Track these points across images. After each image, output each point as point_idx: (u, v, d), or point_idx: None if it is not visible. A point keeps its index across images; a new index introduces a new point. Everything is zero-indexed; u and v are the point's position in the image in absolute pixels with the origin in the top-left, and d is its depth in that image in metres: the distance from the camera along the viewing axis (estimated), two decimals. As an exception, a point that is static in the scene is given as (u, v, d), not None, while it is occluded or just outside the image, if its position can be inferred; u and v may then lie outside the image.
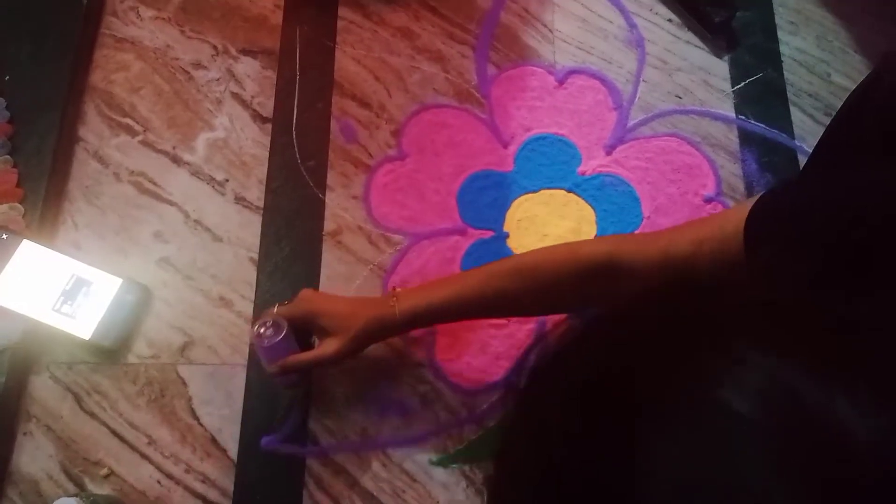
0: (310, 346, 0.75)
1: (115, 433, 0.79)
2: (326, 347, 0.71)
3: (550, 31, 1.01)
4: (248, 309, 0.84)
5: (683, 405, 0.26)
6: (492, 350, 0.85)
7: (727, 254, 0.52)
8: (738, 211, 0.53)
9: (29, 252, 0.81)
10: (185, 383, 0.82)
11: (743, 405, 0.25)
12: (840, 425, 0.24)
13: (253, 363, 0.82)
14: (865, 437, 0.23)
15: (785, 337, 0.27)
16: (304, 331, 0.74)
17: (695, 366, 0.27)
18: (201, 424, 0.80)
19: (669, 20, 1.04)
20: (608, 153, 0.95)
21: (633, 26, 1.03)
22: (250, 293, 0.85)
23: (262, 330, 0.71)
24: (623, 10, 1.03)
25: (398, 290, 0.72)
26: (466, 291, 0.69)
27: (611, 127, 0.96)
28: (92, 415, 0.79)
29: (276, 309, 0.73)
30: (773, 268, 0.43)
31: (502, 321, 0.86)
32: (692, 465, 0.25)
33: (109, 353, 0.81)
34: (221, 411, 0.81)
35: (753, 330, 0.28)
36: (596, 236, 0.91)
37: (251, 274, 0.86)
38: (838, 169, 0.53)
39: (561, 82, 0.98)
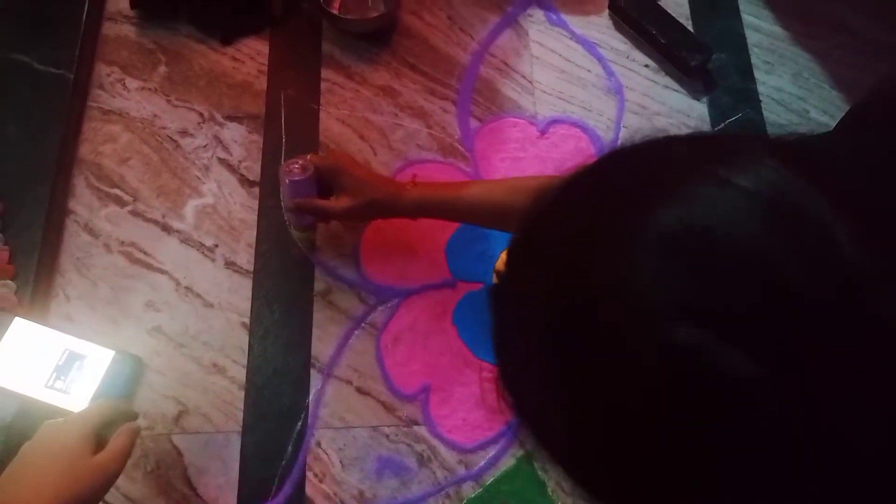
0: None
1: (111, 508, 0.78)
2: (339, 202, 0.79)
3: (530, 82, 1.03)
4: (241, 375, 0.84)
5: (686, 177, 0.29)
6: (487, 404, 0.85)
7: None
8: None
9: (20, 329, 0.81)
10: (180, 453, 0.81)
11: (746, 181, 0.28)
12: (834, 245, 0.26)
13: (247, 429, 0.82)
14: (852, 254, 0.26)
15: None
16: (327, 185, 0.80)
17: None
18: (198, 495, 0.80)
19: (646, 66, 1.06)
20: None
21: (610, 74, 1.04)
22: (243, 358, 0.85)
23: (292, 167, 0.78)
24: (600, 59, 1.05)
25: (417, 180, 0.81)
26: (473, 196, 0.76)
27: (594, 173, 0.97)
28: (87, 490, 0.79)
29: (309, 156, 0.79)
30: None
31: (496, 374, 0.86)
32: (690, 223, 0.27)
33: (103, 426, 0.81)
34: (217, 480, 0.80)
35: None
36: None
37: (243, 339, 0.86)
38: None
39: (543, 132, 1.00)
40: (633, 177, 0.32)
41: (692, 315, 0.26)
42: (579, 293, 0.29)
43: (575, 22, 1.07)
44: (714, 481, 0.27)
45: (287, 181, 0.78)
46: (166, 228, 0.91)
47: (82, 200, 0.92)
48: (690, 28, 1.08)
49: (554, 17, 1.07)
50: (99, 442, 0.65)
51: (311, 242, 0.92)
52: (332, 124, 0.98)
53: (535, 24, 1.07)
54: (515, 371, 0.35)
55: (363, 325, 0.88)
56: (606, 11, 1.08)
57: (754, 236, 0.27)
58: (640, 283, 0.27)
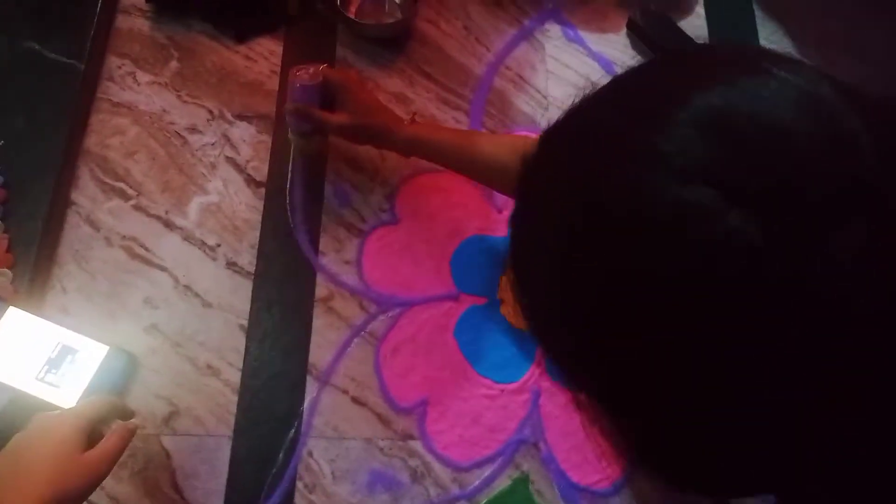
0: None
1: (95, 508, 0.76)
2: (337, 116, 0.82)
3: (544, 96, 1.02)
4: (236, 377, 0.83)
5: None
6: (485, 422, 0.83)
7: None
8: None
9: (14, 319, 0.79)
10: (168, 455, 0.79)
11: (791, 76, 0.30)
12: (858, 150, 0.28)
13: (239, 434, 0.80)
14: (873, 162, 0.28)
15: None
16: (331, 98, 0.83)
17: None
18: (184, 499, 0.78)
19: (663, 86, 1.04)
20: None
21: (626, 92, 1.03)
22: (238, 361, 0.84)
23: (302, 72, 0.82)
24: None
25: (418, 119, 0.83)
26: (464, 146, 0.79)
27: (605, 192, 0.96)
28: (72, 488, 0.77)
29: (323, 66, 0.82)
30: None
31: (496, 391, 0.84)
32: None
33: (93, 423, 0.79)
34: (206, 485, 0.79)
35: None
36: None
37: (240, 341, 0.85)
38: None
39: (555, 147, 0.98)
40: (681, 66, 0.35)
41: (711, 179, 0.28)
42: (612, 154, 0.32)
43: (592, 39, 1.06)
44: (706, 340, 0.28)
45: (296, 86, 0.82)
46: (169, 225, 0.90)
47: (86, 192, 0.91)
48: (709, 50, 1.06)
49: (571, 33, 1.06)
50: (92, 438, 0.64)
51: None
52: (343, 128, 0.96)
53: (552, 38, 1.06)
54: (531, 249, 0.37)
55: (363, 333, 0.86)
56: (624, 30, 1.07)
57: (790, 124, 0.29)
58: (671, 145, 0.29)
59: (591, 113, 0.36)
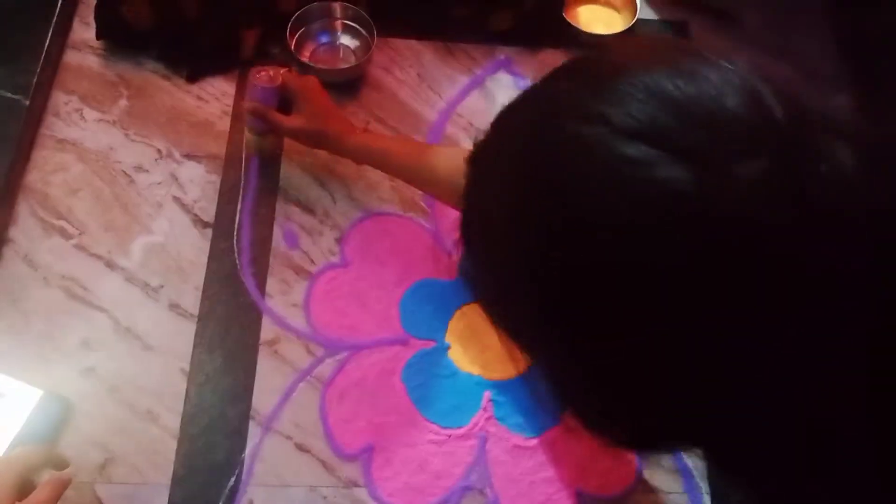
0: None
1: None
2: (291, 120, 0.86)
3: (495, 143, 1.03)
4: (175, 423, 0.80)
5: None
6: (431, 468, 0.82)
7: None
8: None
9: (-60, 362, 0.76)
10: (101, 505, 0.76)
11: (729, 64, 0.34)
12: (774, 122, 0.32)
13: (177, 482, 0.78)
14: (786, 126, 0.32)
15: None
16: (289, 101, 0.87)
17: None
18: (116, 552, 0.74)
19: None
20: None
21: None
22: (178, 406, 0.81)
23: (262, 73, 0.86)
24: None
25: (370, 128, 0.88)
26: (416, 157, 0.81)
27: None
28: (-6, 542, 0.73)
29: (283, 70, 0.87)
30: None
31: (442, 437, 0.84)
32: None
33: (20, 471, 0.76)
34: (139, 536, 0.75)
35: None
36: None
37: (181, 385, 0.82)
38: None
39: (505, 193, 1.00)
40: (630, 49, 0.39)
41: (651, 138, 0.31)
42: (554, 113, 0.35)
43: (542, 89, 1.09)
44: (650, 289, 0.31)
45: (255, 86, 0.86)
46: (111, 265, 0.88)
47: (25, 230, 0.89)
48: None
49: (521, 82, 1.09)
50: (23, 490, 0.61)
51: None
52: (294, 171, 0.97)
53: (503, 87, 1.08)
54: (483, 209, 0.39)
55: (309, 377, 0.85)
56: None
57: (724, 99, 0.32)
58: (617, 109, 0.32)
59: (543, 89, 0.39)
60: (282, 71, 0.87)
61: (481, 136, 0.41)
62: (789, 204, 0.30)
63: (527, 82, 1.09)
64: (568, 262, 0.33)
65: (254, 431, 0.81)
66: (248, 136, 0.94)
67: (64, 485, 0.63)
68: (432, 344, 0.89)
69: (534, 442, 0.85)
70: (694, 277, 0.30)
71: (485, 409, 0.86)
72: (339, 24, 1.07)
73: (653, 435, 0.39)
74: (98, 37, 1.00)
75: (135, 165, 0.94)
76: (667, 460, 0.84)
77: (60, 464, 0.67)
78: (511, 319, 0.41)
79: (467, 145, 1.01)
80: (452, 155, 0.80)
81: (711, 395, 0.33)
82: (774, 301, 0.31)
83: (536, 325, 0.38)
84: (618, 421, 0.39)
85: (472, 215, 0.41)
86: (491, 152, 0.40)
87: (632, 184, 0.31)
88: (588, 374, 0.37)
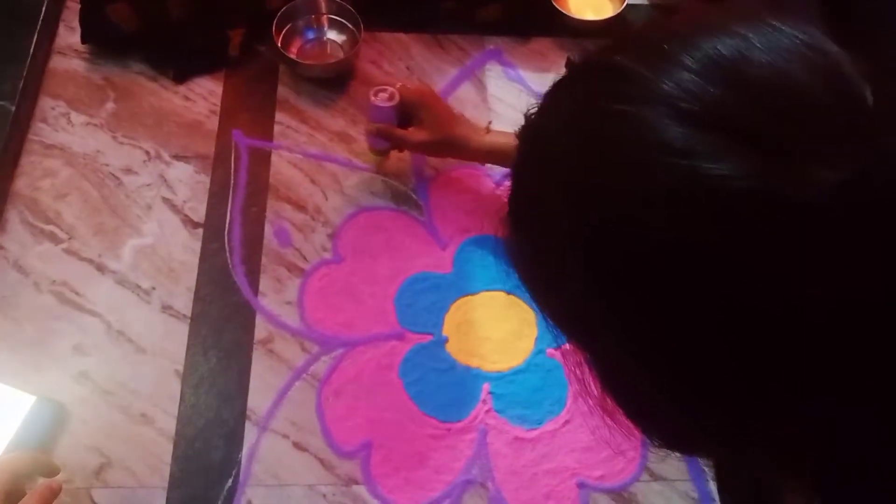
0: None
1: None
2: (416, 134, 0.86)
3: (487, 134, 1.02)
4: (171, 426, 0.79)
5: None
6: (431, 463, 0.81)
7: None
8: None
9: (-69, 371, 0.75)
10: (97, 510, 0.75)
11: (795, 30, 0.31)
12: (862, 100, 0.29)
13: (174, 485, 0.77)
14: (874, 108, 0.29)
15: None
16: (408, 115, 0.87)
17: None
18: (114, 557, 0.74)
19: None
20: (546, 254, 0.95)
21: (567, 129, 1.05)
22: (173, 408, 0.80)
23: (380, 93, 0.86)
24: (557, 114, 1.06)
25: (492, 128, 0.88)
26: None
27: (548, 227, 0.97)
28: (-9, 550, 0.72)
29: (399, 85, 0.86)
30: None
31: (442, 431, 0.83)
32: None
33: (16, 479, 0.75)
34: (137, 541, 0.75)
35: None
36: (537, 338, 0.89)
37: (175, 387, 0.81)
38: None
39: (498, 184, 0.99)
40: (692, 16, 0.36)
41: (713, 122, 0.28)
42: (606, 92, 0.33)
43: (532, 78, 1.08)
44: (689, 280, 0.29)
45: (374, 106, 0.86)
46: (101, 268, 0.87)
47: (14, 236, 0.88)
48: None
49: (512, 72, 1.08)
50: (13, 497, 0.60)
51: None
52: (284, 167, 0.96)
53: (494, 78, 1.07)
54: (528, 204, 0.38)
55: (304, 376, 0.84)
56: (563, 69, 1.09)
57: (797, 75, 0.29)
58: (677, 88, 0.30)
59: (598, 62, 0.36)
60: (397, 86, 0.86)
61: (533, 109, 0.39)
62: (881, 217, 0.27)
63: (517, 72, 1.08)
64: (625, 248, 0.31)
65: (250, 431, 0.80)
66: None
67: (54, 492, 0.62)
68: (429, 338, 0.88)
69: (534, 434, 0.83)
70: (759, 279, 0.28)
71: (484, 402, 0.85)
72: (325, 19, 1.06)
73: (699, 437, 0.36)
74: (83, 40, 0.99)
75: (123, 168, 0.93)
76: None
77: (50, 470, 0.66)
78: (560, 308, 0.38)
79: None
80: None
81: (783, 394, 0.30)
82: (857, 325, 0.28)
83: (588, 318, 0.35)
84: (676, 420, 0.36)
85: (521, 195, 0.39)
86: (542, 128, 0.38)
87: (681, 177, 0.28)
88: (644, 368, 0.34)
